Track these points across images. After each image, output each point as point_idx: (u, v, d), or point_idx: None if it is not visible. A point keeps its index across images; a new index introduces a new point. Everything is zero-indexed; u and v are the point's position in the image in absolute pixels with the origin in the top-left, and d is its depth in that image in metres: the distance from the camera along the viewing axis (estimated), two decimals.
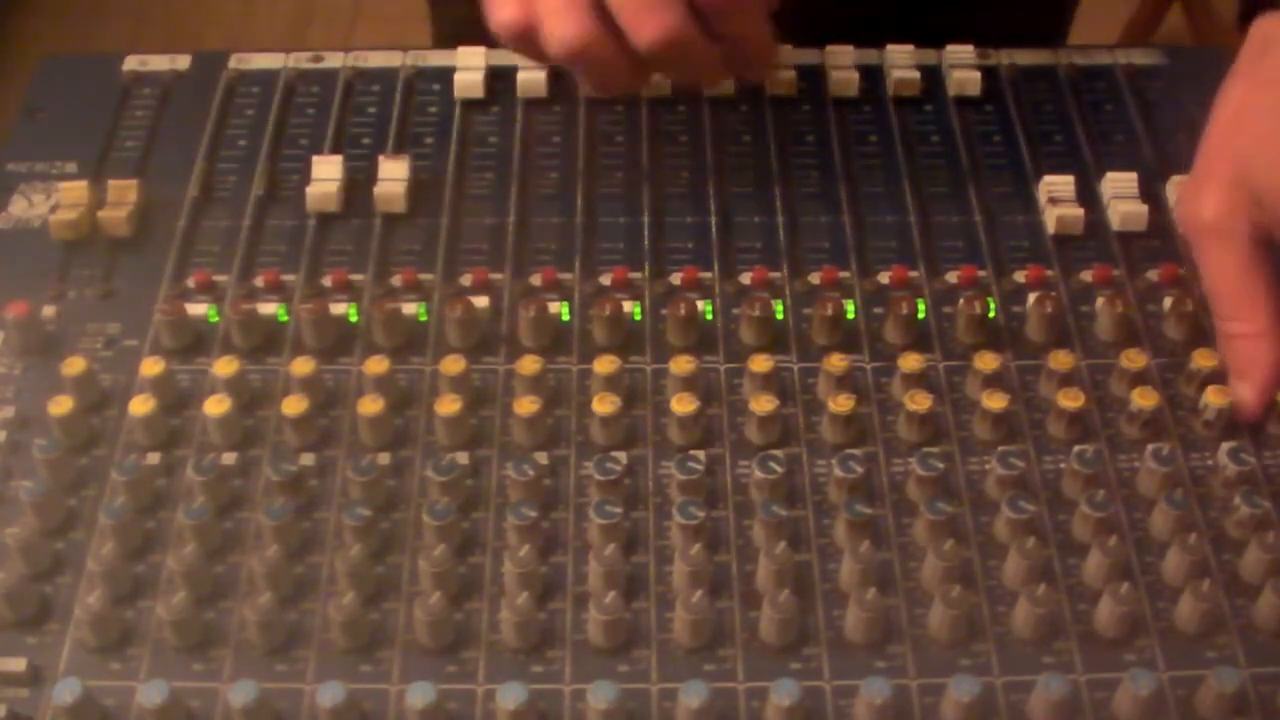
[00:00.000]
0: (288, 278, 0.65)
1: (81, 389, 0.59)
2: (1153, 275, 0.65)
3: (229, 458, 0.58)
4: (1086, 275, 0.65)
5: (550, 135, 0.72)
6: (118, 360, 0.61)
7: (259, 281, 0.64)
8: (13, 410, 0.59)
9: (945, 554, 0.53)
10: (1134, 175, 0.68)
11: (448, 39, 0.85)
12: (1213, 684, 0.49)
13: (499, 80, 0.74)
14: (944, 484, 0.56)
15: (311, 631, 0.53)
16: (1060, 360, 0.59)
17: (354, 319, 0.63)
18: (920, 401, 0.58)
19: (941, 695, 0.50)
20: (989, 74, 0.74)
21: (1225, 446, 0.57)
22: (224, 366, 0.59)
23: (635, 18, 0.61)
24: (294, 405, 0.58)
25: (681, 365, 0.59)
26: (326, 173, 0.68)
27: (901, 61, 0.74)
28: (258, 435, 0.59)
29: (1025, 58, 0.76)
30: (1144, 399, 0.58)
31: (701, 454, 0.58)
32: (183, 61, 0.75)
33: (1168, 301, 0.63)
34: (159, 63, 0.75)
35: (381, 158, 0.69)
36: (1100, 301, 0.63)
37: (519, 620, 0.51)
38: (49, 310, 0.63)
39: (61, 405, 0.58)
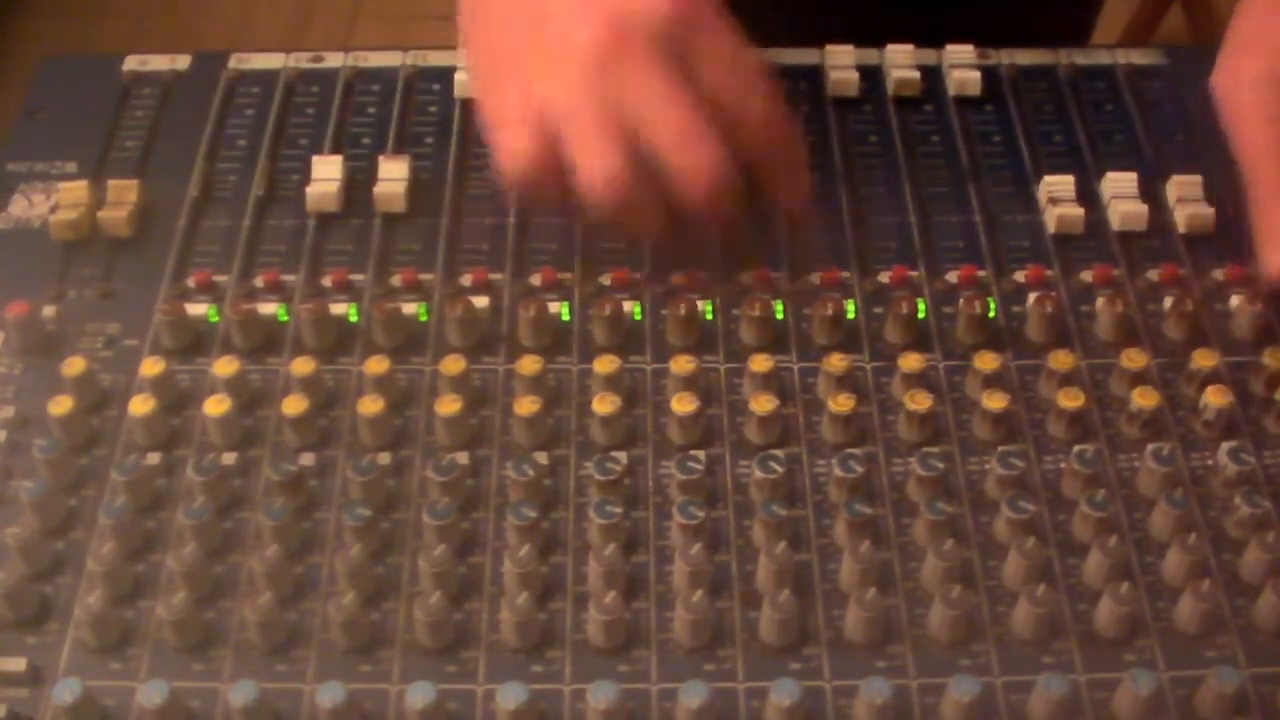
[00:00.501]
0: (288, 278, 0.65)
1: (81, 389, 0.59)
2: (1153, 275, 0.65)
3: (229, 458, 0.58)
4: (1086, 275, 0.65)
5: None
6: (118, 360, 0.61)
7: (259, 281, 0.64)
8: (13, 410, 0.59)
9: (945, 554, 0.53)
10: (1134, 175, 0.68)
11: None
12: (1213, 684, 0.49)
13: None
14: (944, 484, 0.56)
15: (311, 631, 0.53)
16: (1060, 360, 0.59)
17: (354, 319, 0.63)
18: (920, 401, 0.58)
19: (941, 695, 0.50)
20: (989, 74, 0.74)
21: (1225, 446, 0.57)
22: (224, 366, 0.59)
23: (676, 149, 0.57)
24: (294, 405, 0.58)
25: (681, 365, 0.59)
26: (326, 173, 0.68)
27: (901, 61, 0.74)
28: (258, 435, 0.59)
29: (1025, 58, 0.76)
30: (1144, 399, 0.58)
31: (701, 454, 0.58)
32: (183, 61, 0.75)
33: (1168, 301, 0.63)
34: (159, 63, 0.75)
35: (381, 158, 0.69)
36: (1100, 301, 0.63)
37: (519, 620, 0.51)
38: (49, 310, 0.63)
39: (61, 405, 0.58)
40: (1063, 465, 0.57)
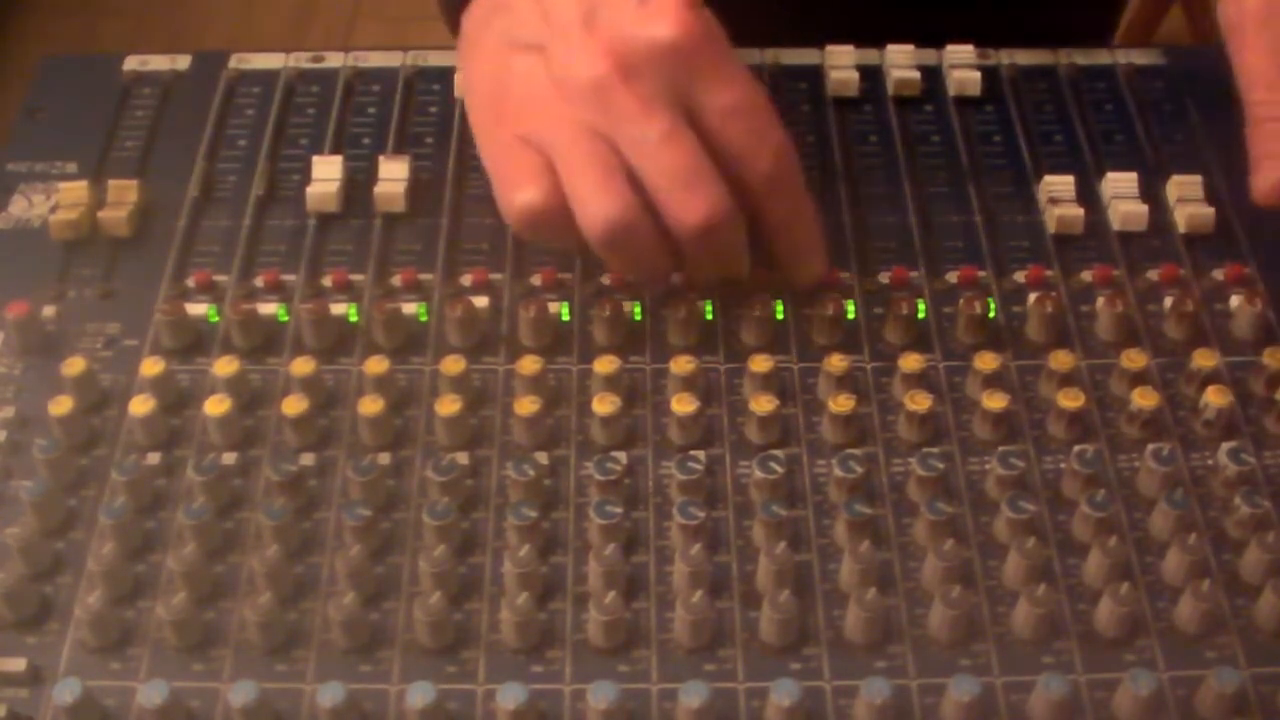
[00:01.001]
0: (288, 278, 0.65)
1: (81, 389, 0.59)
2: (1153, 275, 0.65)
3: (229, 458, 0.58)
4: (1086, 275, 0.65)
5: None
6: (118, 360, 0.61)
7: (259, 281, 0.64)
8: (13, 410, 0.59)
9: (945, 554, 0.53)
10: (1134, 175, 0.68)
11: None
12: (1213, 684, 0.49)
13: None
14: (944, 484, 0.56)
15: (311, 631, 0.53)
16: (1060, 360, 0.59)
17: (354, 319, 0.63)
18: (920, 401, 0.58)
19: (941, 695, 0.50)
20: (989, 74, 0.74)
21: (1225, 446, 0.57)
22: (224, 366, 0.59)
23: (676, 194, 0.56)
24: (294, 405, 0.58)
25: (681, 365, 0.59)
26: (326, 173, 0.68)
27: (901, 61, 0.74)
28: (258, 435, 0.59)
29: (1025, 58, 0.76)
30: (1144, 399, 0.58)
31: (701, 454, 0.58)
32: (183, 61, 0.75)
33: (1168, 301, 0.63)
34: (159, 63, 0.75)
35: (381, 158, 0.69)
36: (1100, 301, 0.63)
37: (519, 620, 0.51)
38: (49, 310, 0.63)
39: (61, 405, 0.58)
40: (1063, 465, 0.57)
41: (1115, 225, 0.67)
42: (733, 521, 0.56)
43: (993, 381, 0.59)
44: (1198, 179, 0.68)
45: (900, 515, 0.56)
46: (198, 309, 0.63)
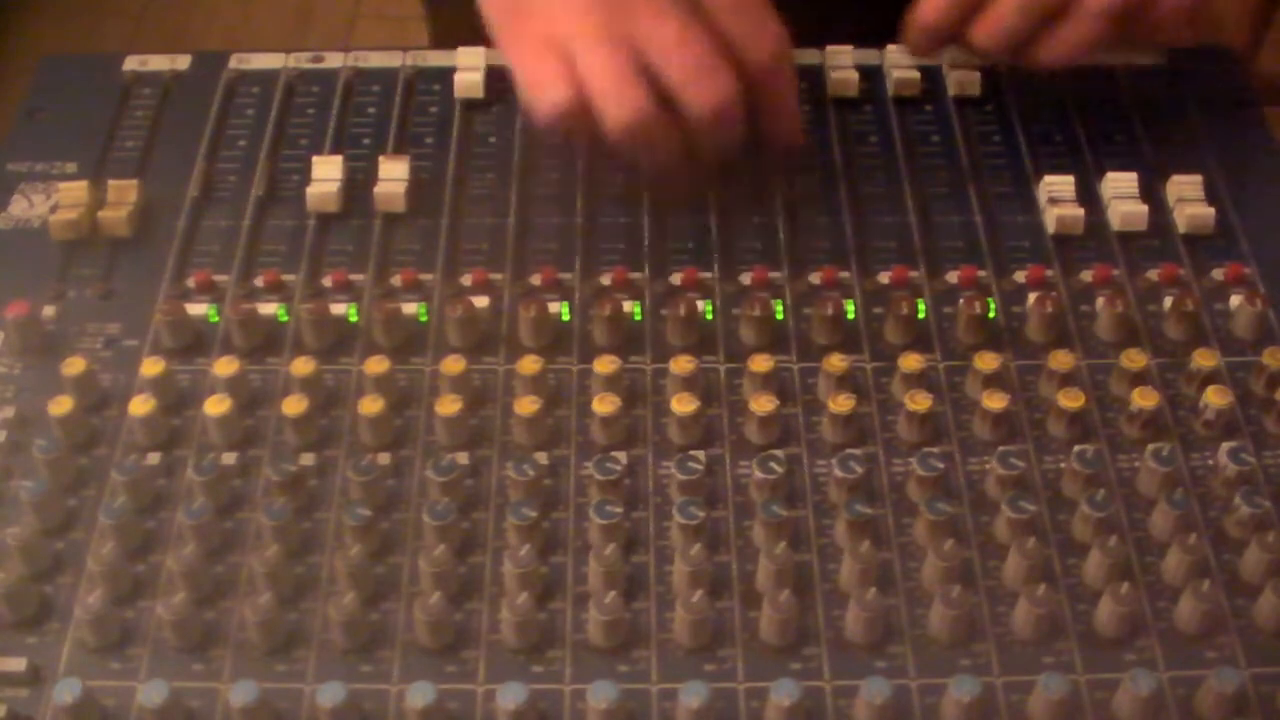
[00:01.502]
0: (288, 278, 0.65)
1: (81, 389, 0.59)
2: (1153, 275, 0.65)
3: (229, 458, 0.58)
4: (1086, 275, 0.65)
5: (550, 135, 0.72)
6: (118, 360, 0.61)
7: (259, 281, 0.64)
8: (13, 410, 0.59)
9: (945, 554, 0.53)
10: (1134, 175, 0.68)
11: (446, 40, 0.85)
12: (1213, 684, 0.49)
13: (499, 80, 0.73)
14: (944, 484, 0.56)
15: (311, 631, 0.53)
16: (1060, 360, 0.59)
17: (354, 319, 0.63)
18: (920, 401, 0.58)
19: (941, 695, 0.50)
20: (989, 74, 0.74)
21: (1225, 446, 0.57)
22: (224, 366, 0.59)
23: (690, 85, 0.61)
24: (294, 405, 0.58)
25: (681, 365, 0.59)
26: (326, 173, 0.68)
27: (901, 61, 0.74)
28: (258, 435, 0.59)
29: None
30: (1144, 399, 0.58)
31: (701, 454, 0.58)
32: (183, 61, 0.75)
33: (1168, 301, 0.63)
34: (159, 63, 0.75)
35: (381, 158, 0.69)
36: (1100, 301, 0.63)
37: (519, 620, 0.51)
38: (49, 310, 0.63)
39: (61, 405, 0.58)
40: (1063, 465, 0.57)
41: (1115, 225, 0.67)
42: (733, 521, 0.56)
43: (993, 381, 0.59)
44: (1198, 179, 0.68)
45: (900, 515, 0.56)
46: (198, 309, 0.63)
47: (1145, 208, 0.67)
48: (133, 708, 0.50)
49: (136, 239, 0.66)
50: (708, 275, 0.65)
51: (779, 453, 0.57)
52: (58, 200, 0.67)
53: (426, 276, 0.65)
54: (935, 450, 0.57)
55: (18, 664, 0.51)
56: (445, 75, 0.74)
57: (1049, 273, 0.65)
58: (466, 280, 0.64)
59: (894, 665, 0.52)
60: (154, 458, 0.58)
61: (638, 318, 0.63)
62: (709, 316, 0.63)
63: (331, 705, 0.49)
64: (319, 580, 0.54)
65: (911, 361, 0.59)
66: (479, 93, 0.73)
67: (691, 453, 0.58)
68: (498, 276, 0.65)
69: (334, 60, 0.76)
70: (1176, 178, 0.68)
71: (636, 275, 0.65)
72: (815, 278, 0.64)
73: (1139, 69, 0.75)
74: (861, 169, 0.70)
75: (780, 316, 0.63)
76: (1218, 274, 0.65)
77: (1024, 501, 0.55)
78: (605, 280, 0.64)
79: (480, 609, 0.53)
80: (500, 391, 0.60)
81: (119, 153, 0.71)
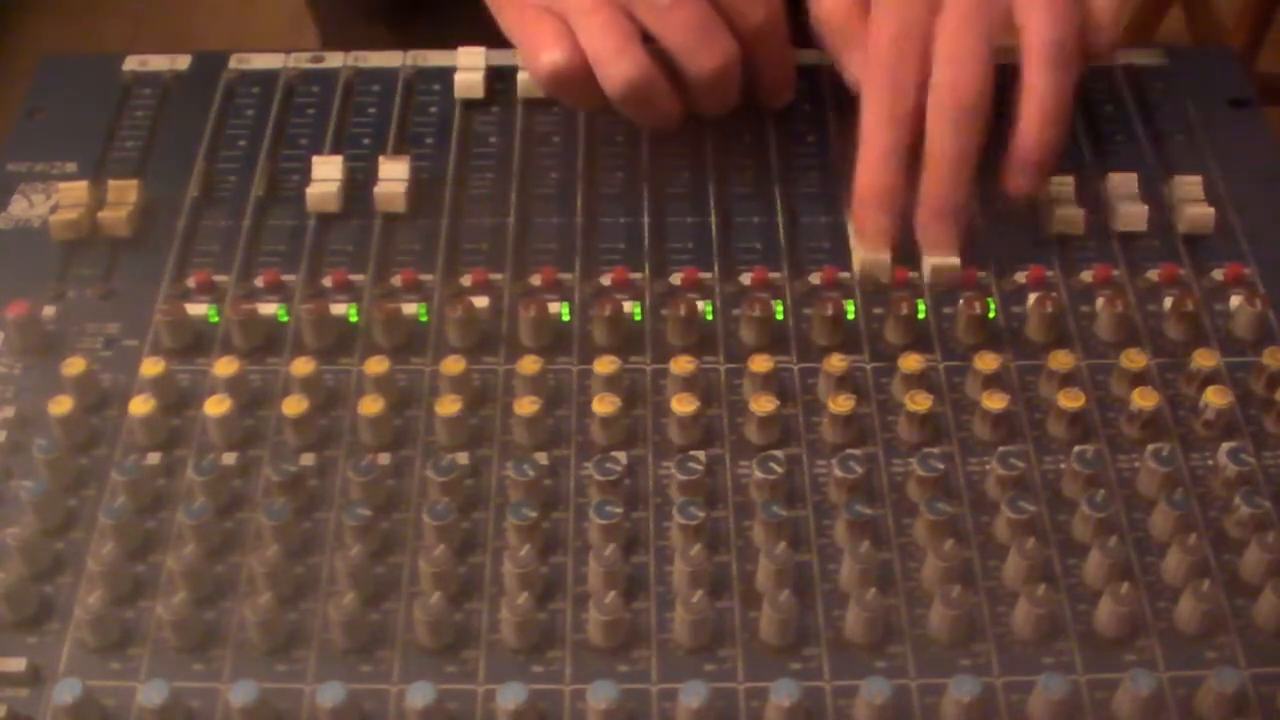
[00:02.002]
0: (288, 278, 0.65)
1: (81, 389, 0.59)
2: (1153, 275, 0.65)
3: (229, 458, 0.58)
4: (1086, 275, 0.65)
5: (550, 135, 0.72)
6: (118, 360, 0.61)
7: (259, 281, 0.64)
8: (13, 410, 0.59)
9: (945, 554, 0.53)
10: (1134, 175, 0.68)
11: (334, 41, 0.86)
12: (1213, 684, 0.49)
13: (499, 80, 0.74)
14: (944, 484, 0.56)
15: (311, 631, 0.53)
16: (1060, 360, 0.59)
17: (354, 319, 0.63)
18: (920, 401, 0.58)
19: (941, 695, 0.50)
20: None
21: (1225, 446, 0.57)
22: (224, 366, 0.59)
23: (690, 49, 0.63)
24: (294, 405, 0.58)
25: (681, 365, 0.59)
26: (326, 173, 0.68)
27: None
28: (258, 435, 0.59)
29: None
30: (1144, 399, 0.58)
31: (701, 454, 0.58)
32: (183, 61, 0.75)
33: (1168, 301, 0.63)
34: (159, 63, 0.75)
35: (381, 158, 0.69)
36: (1100, 301, 0.63)
37: (519, 620, 0.51)
38: (49, 310, 0.63)
39: (61, 405, 0.58)
40: (1063, 465, 0.57)
41: (1115, 225, 0.67)
42: (733, 521, 0.56)
43: (993, 381, 0.59)
44: (1198, 179, 0.68)
45: (900, 515, 0.56)
46: (198, 309, 0.63)
47: (1145, 208, 0.67)
48: (133, 708, 0.50)
49: (136, 239, 0.66)
50: (708, 275, 0.65)
51: (779, 453, 0.57)
52: (58, 200, 0.67)
53: (426, 276, 0.65)
54: (935, 450, 0.57)
55: (18, 664, 0.51)
56: (445, 75, 0.74)
57: (1049, 273, 0.65)
58: (466, 280, 0.64)
59: (894, 665, 0.52)
60: (154, 458, 0.58)
61: (638, 318, 0.63)
62: (709, 316, 0.63)
63: (331, 705, 0.49)
64: (319, 580, 0.54)
65: (911, 362, 0.59)
66: (479, 93, 0.73)
67: (691, 453, 0.58)
68: (498, 276, 0.65)
69: (334, 60, 0.76)
70: (1176, 178, 0.68)
71: (636, 275, 0.65)
72: (815, 278, 0.64)
73: (1139, 69, 0.75)
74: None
75: (780, 316, 0.63)
76: (1218, 274, 0.65)
77: (1024, 501, 0.55)
78: (605, 280, 0.64)
79: (480, 609, 0.53)
80: (500, 391, 0.60)
81: (119, 153, 0.71)
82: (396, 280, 0.64)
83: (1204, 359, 0.60)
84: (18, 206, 0.68)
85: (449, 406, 0.58)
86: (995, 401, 0.58)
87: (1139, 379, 0.59)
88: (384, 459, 0.58)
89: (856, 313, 0.63)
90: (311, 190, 0.67)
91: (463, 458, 0.57)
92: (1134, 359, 0.60)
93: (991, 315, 0.62)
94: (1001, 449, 0.57)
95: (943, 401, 0.60)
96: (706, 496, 0.56)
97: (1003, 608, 0.53)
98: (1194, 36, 1.84)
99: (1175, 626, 0.53)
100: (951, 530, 0.55)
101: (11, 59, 2.07)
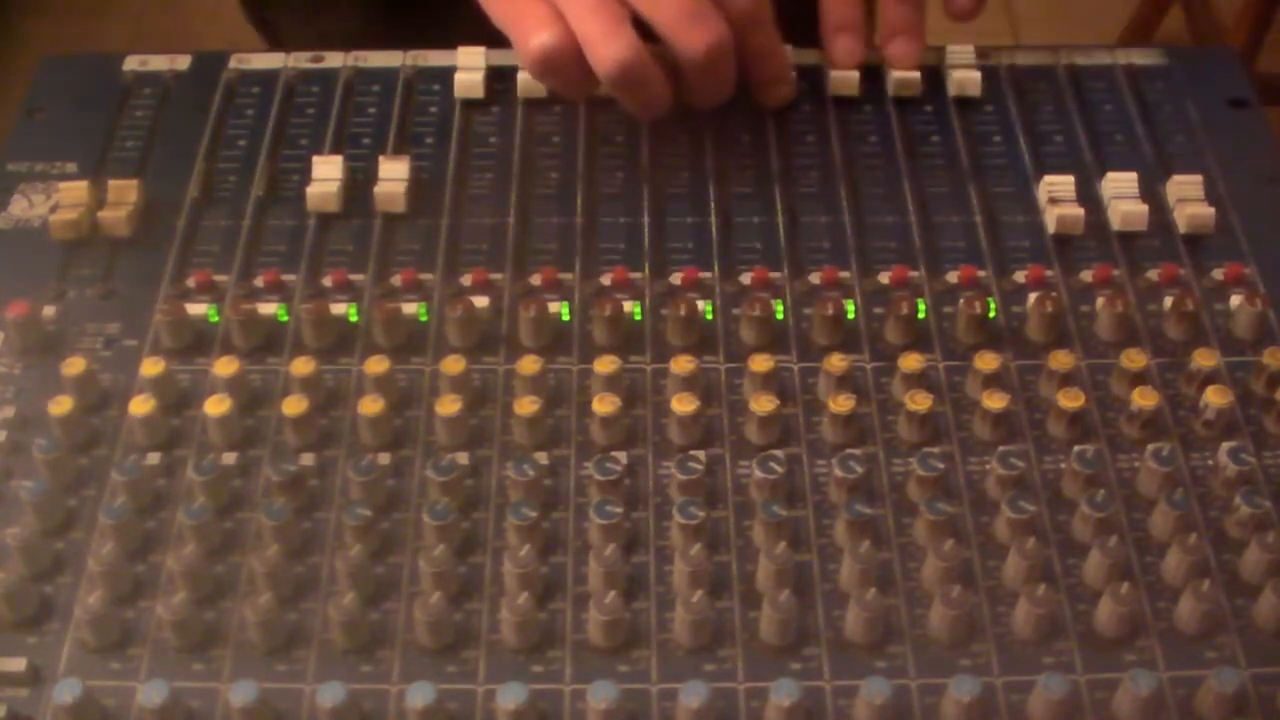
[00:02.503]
0: (288, 278, 0.65)
1: (81, 389, 0.59)
2: (1153, 275, 0.65)
3: (229, 458, 0.58)
4: (1086, 275, 0.65)
5: (550, 135, 0.72)
6: (118, 360, 0.61)
7: (259, 281, 0.64)
8: (13, 410, 0.59)
9: (945, 554, 0.53)
10: (1134, 175, 0.68)
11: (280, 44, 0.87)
12: (1213, 684, 0.49)
13: (499, 80, 0.74)
14: (944, 484, 0.56)
15: (311, 631, 0.53)
16: (1060, 360, 0.59)
17: (354, 319, 0.63)
18: (920, 401, 0.58)
19: (941, 695, 0.50)
20: (989, 74, 0.74)
21: (1225, 446, 0.57)
22: (224, 366, 0.59)
23: (681, 30, 0.63)
24: (294, 405, 0.58)
25: (681, 365, 0.59)
26: (326, 173, 0.68)
27: None
28: (258, 435, 0.59)
29: (1025, 57, 0.76)
30: (1144, 399, 0.58)
31: (701, 454, 0.58)
32: (183, 61, 0.75)
33: (1168, 301, 0.63)
34: (159, 63, 0.75)
35: (381, 158, 0.69)
36: (1100, 301, 0.63)
37: (519, 620, 0.51)
38: (49, 310, 0.63)
39: (61, 405, 0.58)
40: (1063, 465, 0.57)
41: (1115, 225, 0.67)
42: (733, 521, 0.56)
43: (993, 381, 0.59)
44: (1198, 179, 0.68)
45: (900, 515, 0.56)
46: (198, 309, 0.63)
47: (1145, 208, 0.67)
48: (133, 708, 0.50)
49: (136, 239, 0.66)
50: (708, 275, 0.65)
51: (779, 453, 0.57)
52: (58, 200, 0.67)
53: (426, 276, 0.65)
54: (935, 450, 0.57)
55: (18, 664, 0.51)
56: (445, 75, 0.74)
57: (1049, 273, 0.65)
58: (466, 280, 0.64)
59: (894, 665, 0.52)
60: (154, 458, 0.58)
61: (638, 318, 0.63)
62: (709, 316, 0.63)
63: (331, 705, 0.49)
64: (319, 580, 0.54)
65: (911, 361, 0.59)
66: (479, 93, 0.73)
67: (691, 453, 0.58)
68: (498, 276, 0.65)
69: (334, 60, 0.76)
70: (1176, 178, 0.68)
71: (636, 275, 0.65)
72: (815, 278, 0.64)
73: (1139, 69, 0.75)
74: (861, 169, 0.70)
75: (780, 316, 0.63)
76: (1218, 274, 0.65)
77: (1024, 501, 0.55)
78: (605, 280, 0.64)
79: (480, 609, 0.53)
80: (500, 391, 0.60)
81: (119, 153, 0.71)
82: (396, 280, 0.64)
83: (1204, 359, 0.60)
84: (18, 206, 0.68)
85: (449, 406, 0.58)
86: (995, 401, 0.58)
87: (1139, 379, 0.59)
88: (384, 459, 0.58)
89: (856, 312, 0.63)
90: (311, 190, 0.67)
91: (463, 458, 0.57)
92: (1134, 359, 0.60)
93: (991, 315, 0.62)
94: (1001, 449, 0.57)
95: (943, 401, 0.60)
96: (706, 496, 0.56)
97: (1003, 608, 0.53)
98: (1194, 36, 1.84)
99: (1175, 626, 0.53)
100: (951, 530, 0.55)
101: (11, 59, 2.07)
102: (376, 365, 0.59)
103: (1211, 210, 0.66)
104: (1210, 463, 0.58)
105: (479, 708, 0.51)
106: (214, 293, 0.64)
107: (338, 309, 0.62)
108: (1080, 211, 0.66)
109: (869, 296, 0.64)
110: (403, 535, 0.55)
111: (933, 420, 0.58)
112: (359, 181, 0.69)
